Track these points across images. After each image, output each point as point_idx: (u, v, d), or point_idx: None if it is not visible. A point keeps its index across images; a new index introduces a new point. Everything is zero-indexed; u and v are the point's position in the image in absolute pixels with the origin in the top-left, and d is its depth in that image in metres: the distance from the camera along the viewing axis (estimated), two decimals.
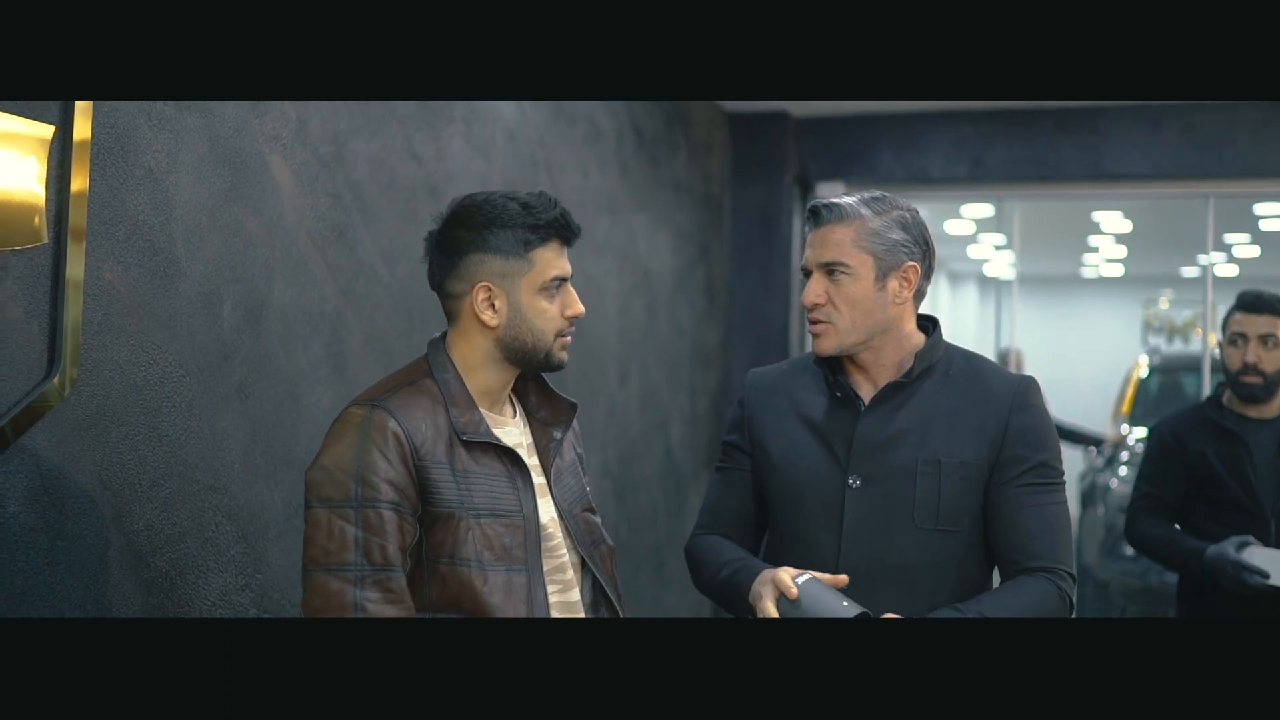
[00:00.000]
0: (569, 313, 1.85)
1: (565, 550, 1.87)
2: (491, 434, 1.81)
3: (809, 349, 2.12)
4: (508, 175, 3.27)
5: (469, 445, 1.78)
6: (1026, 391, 1.98)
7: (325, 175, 2.54)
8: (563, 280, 1.85)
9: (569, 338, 1.88)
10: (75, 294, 1.91)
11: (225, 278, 2.25)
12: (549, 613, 1.79)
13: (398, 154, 2.79)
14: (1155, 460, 3.27)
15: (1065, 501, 1.95)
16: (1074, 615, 1.96)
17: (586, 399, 3.82)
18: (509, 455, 1.81)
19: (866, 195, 2.00)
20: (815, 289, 1.97)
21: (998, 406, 1.95)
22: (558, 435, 1.94)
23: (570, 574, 1.86)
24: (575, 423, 2.06)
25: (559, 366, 1.88)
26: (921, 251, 1.99)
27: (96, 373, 1.98)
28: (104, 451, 2.00)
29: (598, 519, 2.00)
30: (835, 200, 1.99)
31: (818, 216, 1.99)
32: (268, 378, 2.37)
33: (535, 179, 3.44)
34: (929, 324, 2.05)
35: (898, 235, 1.96)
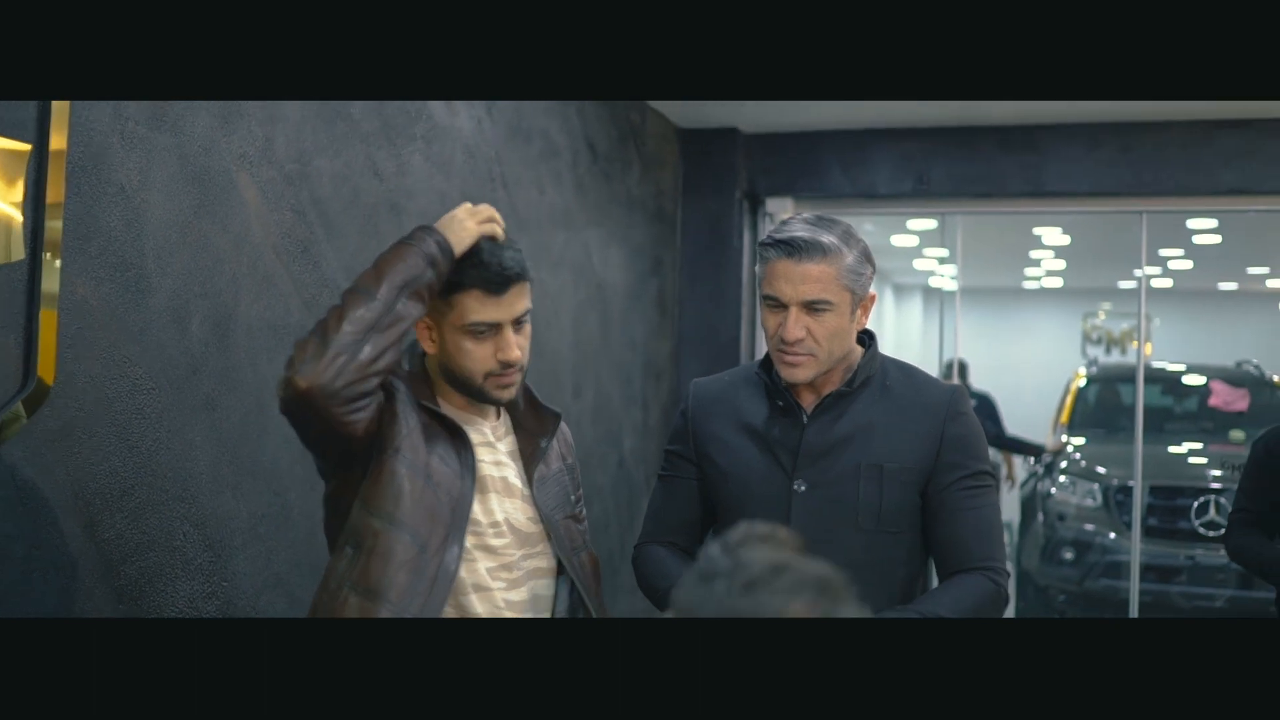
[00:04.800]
0: (500, 356, 1.90)
1: (515, 551, 1.93)
2: (439, 407, 1.91)
3: (758, 358, 2.20)
4: (466, 191, 3.34)
5: (428, 412, 1.90)
6: (958, 400, 2.10)
7: (290, 192, 2.60)
8: (492, 325, 1.89)
9: (507, 378, 1.93)
10: (50, 308, 1.97)
11: (194, 292, 2.31)
12: (455, 569, 1.84)
13: (360, 171, 2.86)
14: (1250, 474, 3.29)
15: (997, 502, 2.08)
16: (1009, 606, 2.08)
17: None
18: (458, 435, 1.90)
19: (829, 225, 2.04)
20: (797, 325, 2.00)
21: (933, 415, 2.06)
22: (543, 444, 2.03)
23: (516, 574, 1.92)
24: (568, 433, 2.14)
25: (498, 403, 1.97)
26: (873, 278, 2.10)
27: (69, 385, 2.03)
28: (76, 462, 2.05)
29: (582, 527, 2.08)
30: (812, 237, 2.00)
31: (796, 250, 2.00)
32: (235, 390, 2.42)
33: (492, 195, 3.51)
34: (865, 337, 2.16)
35: (864, 269, 2.04)
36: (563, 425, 2.10)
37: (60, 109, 1.97)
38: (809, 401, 2.10)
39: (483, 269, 1.88)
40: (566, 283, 4.11)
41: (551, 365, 3.98)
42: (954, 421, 2.07)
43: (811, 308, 2.01)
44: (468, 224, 1.89)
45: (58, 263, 1.97)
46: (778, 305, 2.03)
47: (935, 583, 2.12)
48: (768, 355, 2.18)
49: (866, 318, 2.09)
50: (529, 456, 2.01)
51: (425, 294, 1.83)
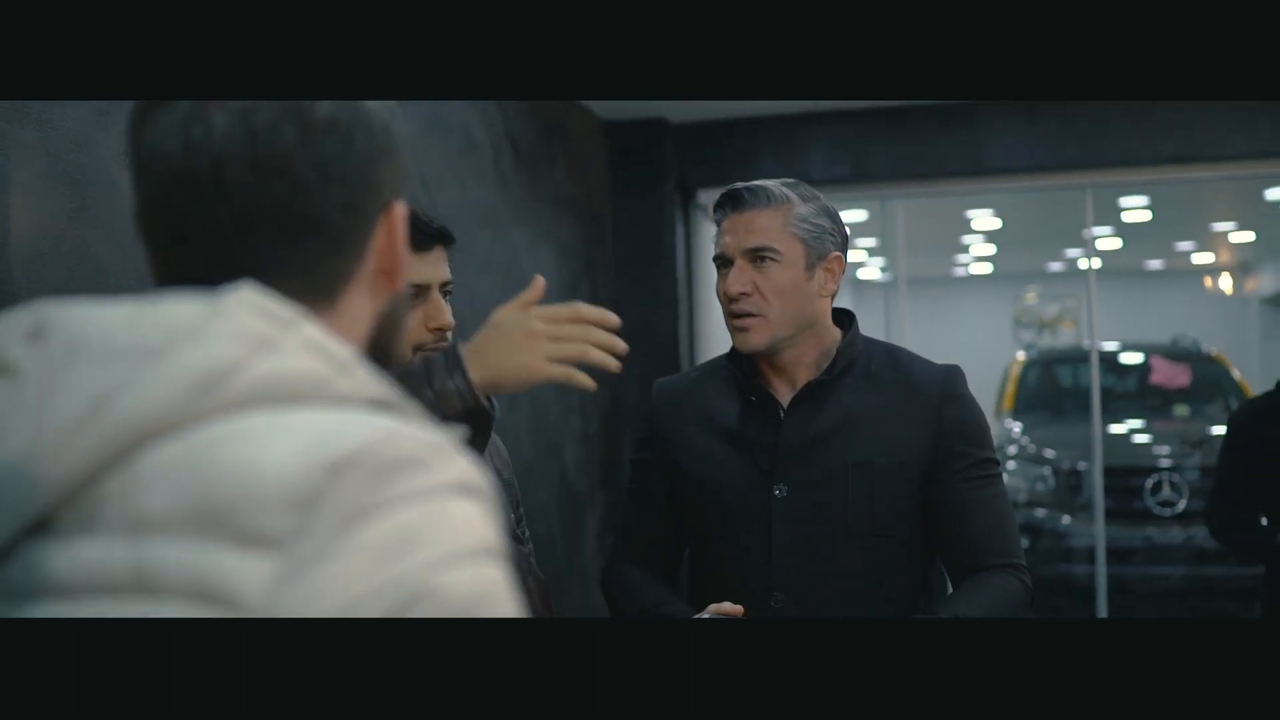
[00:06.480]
0: (433, 324, 1.67)
1: None
2: None
3: (700, 360, 1.98)
4: None
5: None
6: (954, 382, 1.88)
7: None
8: (419, 287, 1.66)
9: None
10: None
11: None
12: None
13: None
14: (1227, 448, 3.17)
15: (1005, 493, 1.86)
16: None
17: None
18: None
19: (786, 181, 1.86)
20: (741, 277, 1.81)
21: (927, 400, 1.84)
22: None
23: None
24: (502, 447, 1.89)
25: None
26: (842, 242, 1.88)
27: None
28: None
29: (526, 550, 1.83)
30: (759, 184, 1.83)
31: (739, 201, 1.83)
32: None
33: (411, 194, 3.24)
34: (845, 318, 1.94)
35: (824, 222, 1.84)
36: (495, 438, 1.84)
37: None
38: (785, 394, 1.87)
39: (410, 220, 1.64)
40: (496, 285, 3.85)
41: None
42: (952, 404, 1.84)
43: (757, 258, 1.81)
44: (536, 350, 1.31)
45: None
46: (724, 262, 1.84)
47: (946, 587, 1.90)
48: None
49: (834, 283, 1.86)
50: None
51: None
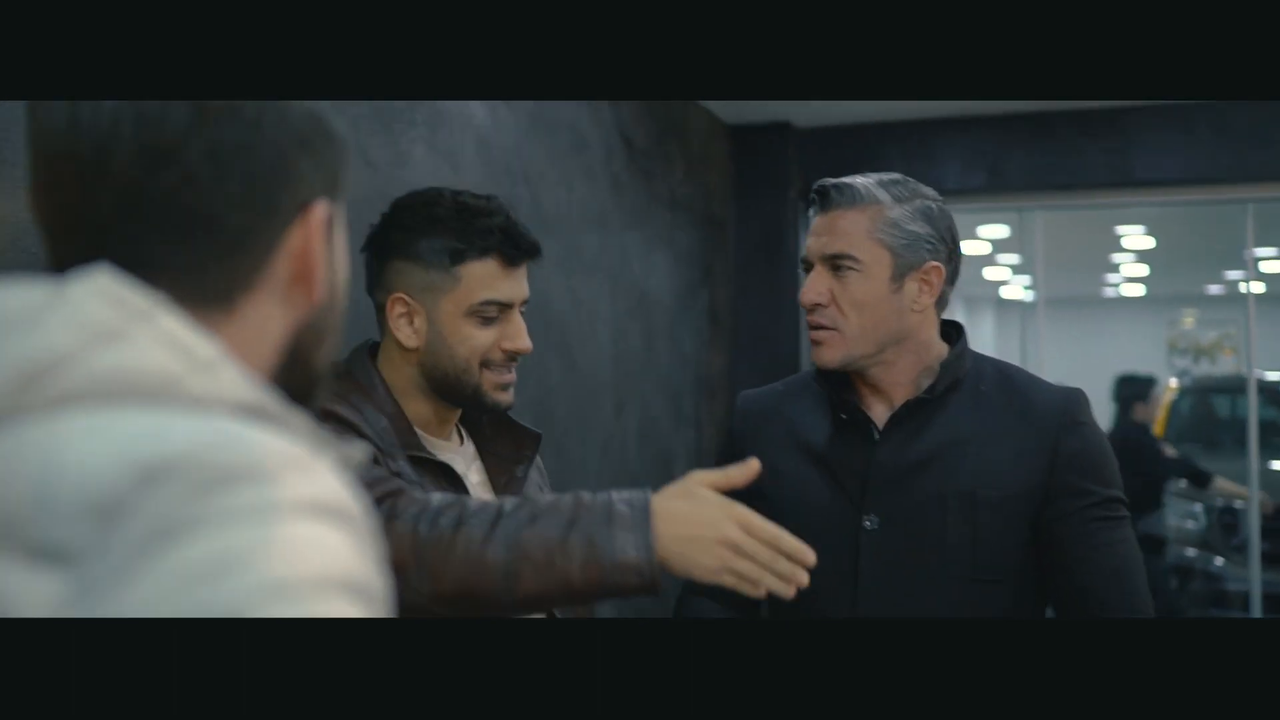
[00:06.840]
0: (508, 345, 1.53)
1: None
2: (424, 448, 1.52)
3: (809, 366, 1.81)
4: (479, 186, 2.95)
5: (413, 461, 1.50)
6: (1075, 407, 1.66)
7: None
8: (504, 306, 1.53)
9: (509, 375, 1.56)
10: None
11: None
12: None
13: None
14: None
15: (1133, 538, 1.62)
16: None
17: (579, 432, 3.49)
18: (445, 473, 1.52)
19: (885, 177, 1.67)
20: (816, 286, 1.63)
21: (1043, 426, 1.63)
22: (519, 473, 1.63)
23: None
24: (539, 459, 1.75)
25: (494, 408, 1.57)
26: (947, 251, 1.67)
27: None
28: None
29: None
30: (848, 180, 1.65)
31: (826, 199, 1.65)
32: None
33: (511, 191, 3.12)
34: (952, 331, 1.73)
35: (920, 228, 1.63)
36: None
37: None
38: (881, 414, 1.67)
39: (508, 231, 1.51)
40: (603, 290, 3.71)
41: (588, 381, 3.58)
42: (1071, 433, 1.62)
43: (834, 265, 1.62)
44: (718, 557, 1.23)
45: None
46: (807, 266, 1.67)
47: None
48: None
49: (930, 296, 1.65)
50: (501, 489, 1.62)
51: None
